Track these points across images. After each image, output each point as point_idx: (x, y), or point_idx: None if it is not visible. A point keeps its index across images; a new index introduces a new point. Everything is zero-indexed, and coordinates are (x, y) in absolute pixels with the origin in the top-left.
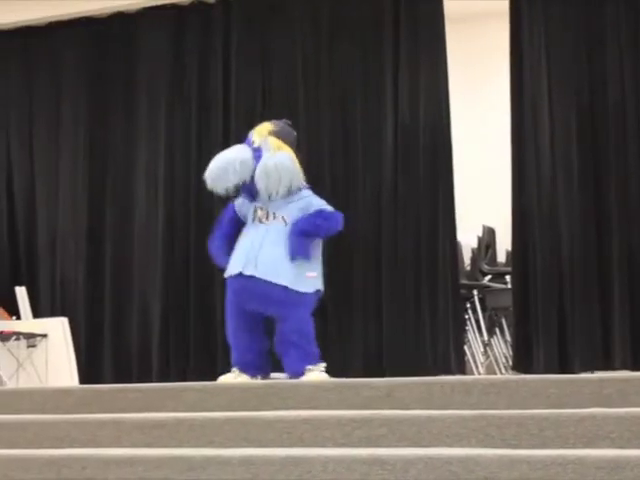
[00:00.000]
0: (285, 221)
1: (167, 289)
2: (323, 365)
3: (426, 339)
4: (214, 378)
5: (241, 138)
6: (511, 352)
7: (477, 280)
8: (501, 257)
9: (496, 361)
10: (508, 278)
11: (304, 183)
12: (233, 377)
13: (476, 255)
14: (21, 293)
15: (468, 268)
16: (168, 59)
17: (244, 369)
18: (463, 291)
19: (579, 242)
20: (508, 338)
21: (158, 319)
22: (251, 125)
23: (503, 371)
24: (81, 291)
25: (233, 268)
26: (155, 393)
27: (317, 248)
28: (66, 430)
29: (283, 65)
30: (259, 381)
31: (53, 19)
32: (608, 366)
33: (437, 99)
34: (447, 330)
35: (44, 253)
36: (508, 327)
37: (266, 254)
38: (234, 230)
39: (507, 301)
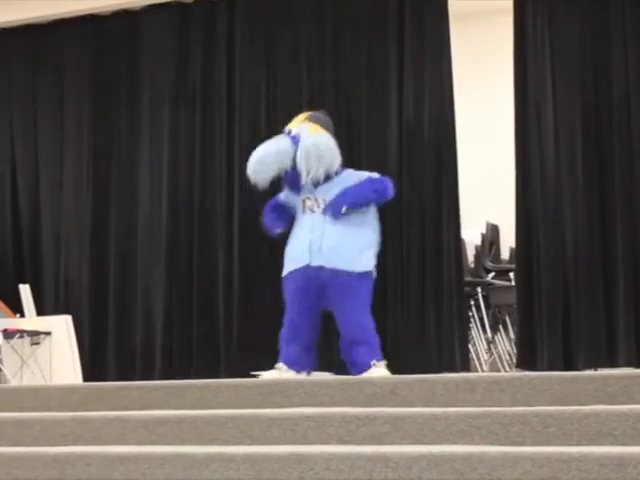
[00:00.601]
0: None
1: (171, 287)
2: (385, 361)
3: (430, 336)
4: (217, 376)
5: (245, 135)
6: (515, 349)
7: (481, 277)
8: (505, 254)
9: (500, 359)
10: (512, 275)
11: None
12: (278, 373)
13: (480, 252)
14: (25, 291)
15: (472, 265)
16: (172, 56)
17: (292, 365)
18: (467, 288)
19: (583, 239)
20: (512, 335)
21: (162, 317)
22: (255, 122)
23: (507, 368)
24: (85, 289)
25: (296, 262)
26: (159, 391)
27: (373, 221)
28: (70, 428)
29: (287, 62)
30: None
31: (57, 17)
32: (612, 364)
33: (441, 96)
34: (451, 327)
35: (48, 251)
36: (512, 324)
37: (330, 242)
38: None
39: (511, 298)
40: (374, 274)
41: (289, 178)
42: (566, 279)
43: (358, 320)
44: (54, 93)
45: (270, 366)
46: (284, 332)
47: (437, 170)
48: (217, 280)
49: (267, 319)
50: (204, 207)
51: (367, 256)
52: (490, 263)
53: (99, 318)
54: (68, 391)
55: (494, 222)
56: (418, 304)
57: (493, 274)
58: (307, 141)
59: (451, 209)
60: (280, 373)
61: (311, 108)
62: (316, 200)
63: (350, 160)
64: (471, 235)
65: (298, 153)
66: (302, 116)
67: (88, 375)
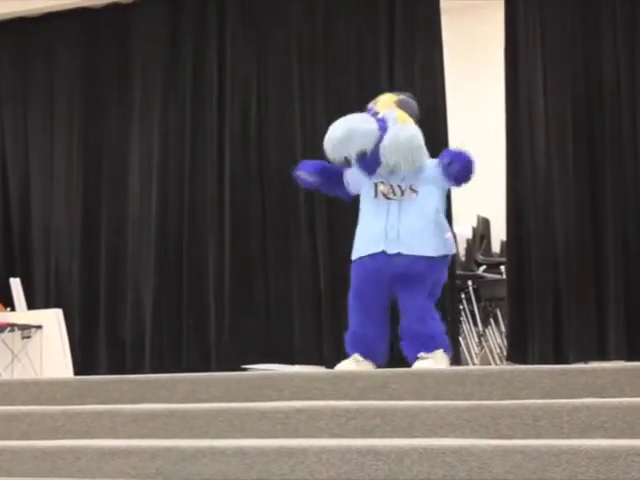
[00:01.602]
0: (415, 191)
1: (161, 280)
2: (440, 352)
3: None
4: (208, 369)
5: (235, 128)
6: (505, 343)
7: (472, 271)
8: (496, 247)
9: (490, 352)
10: (503, 268)
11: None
12: (355, 363)
13: (471, 245)
14: (16, 284)
15: (463, 259)
16: (163, 49)
17: (368, 356)
18: (458, 282)
19: (574, 232)
20: (503, 329)
21: (152, 310)
22: (246, 115)
23: (497, 362)
24: (75, 282)
25: (369, 248)
26: (149, 384)
27: (444, 207)
28: (61, 421)
29: (278, 57)
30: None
31: (47, 10)
32: (603, 357)
33: (433, 89)
34: (443, 320)
35: (39, 244)
36: (503, 318)
37: (408, 230)
38: (331, 173)
39: (502, 292)
40: (449, 260)
41: (365, 160)
42: (557, 272)
43: (417, 315)
44: (44, 86)
45: (261, 359)
46: (353, 320)
47: None
48: (208, 273)
49: (258, 312)
50: (195, 200)
51: (448, 240)
52: (481, 256)
53: (90, 311)
54: (59, 385)
55: (485, 215)
56: None
57: (484, 267)
58: (400, 135)
59: None
60: (356, 363)
61: (302, 100)
62: (392, 186)
63: None
64: (462, 228)
65: (386, 142)
66: (389, 98)
67: (79, 368)
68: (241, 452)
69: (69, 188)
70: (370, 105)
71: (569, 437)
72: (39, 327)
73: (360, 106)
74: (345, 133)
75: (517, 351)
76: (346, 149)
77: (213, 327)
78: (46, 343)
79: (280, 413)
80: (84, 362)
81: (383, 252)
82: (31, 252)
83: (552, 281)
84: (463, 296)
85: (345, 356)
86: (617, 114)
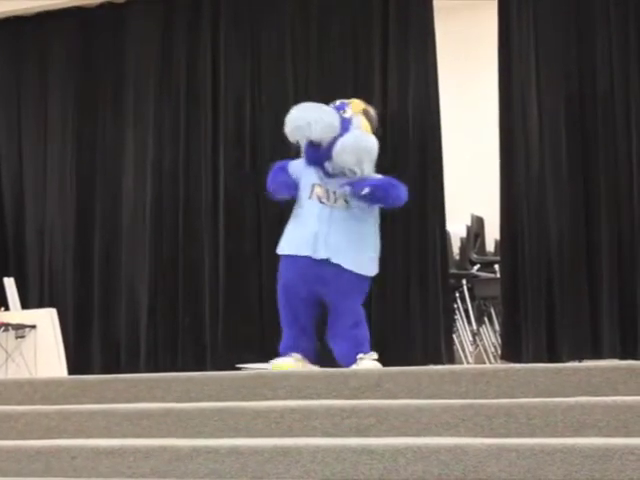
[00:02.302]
0: (348, 202)
1: (155, 279)
2: (374, 354)
3: (415, 328)
4: (203, 368)
5: (230, 126)
6: (500, 341)
7: (466, 269)
8: (490, 246)
9: (485, 350)
10: (497, 267)
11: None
12: (294, 361)
13: (465, 244)
14: (9, 284)
15: (457, 257)
16: (157, 47)
17: (305, 355)
18: (452, 280)
19: (568, 231)
20: (497, 327)
21: (146, 309)
22: (240, 115)
23: (492, 360)
24: (69, 282)
25: (299, 248)
26: (144, 383)
27: (376, 225)
28: (55, 421)
29: (272, 56)
30: (315, 368)
31: (41, 9)
32: (596, 355)
33: (426, 89)
34: (436, 319)
35: (32, 244)
36: (497, 316)
37: (336, 239)
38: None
39: (496, 290)
40: (370, 281)
41: (317, 150)
42: (550, 271)
43: (353, 320)
44: (38, 85)
45: (256, 359)
46: (284, 320)
47: (422, 162)
48: (203, 272)
49: (253, 311)
50: (189, 198)
51: (371, 261)
52: (475, 255)
53: (84, 311)
54: (53, 384)
55: (479, 214)
56: (403, 296)
57: (478, 266)
58: (361, 136)
59: (436, 201)
60: (295, 361)
61: (296, 100)
62: (327, 191)
63: None
64: (456, 227)
65: (345, 139)
66: (359, 105)
67: (73, 368)
68: (235, 451)
69: (63, 188)
70: (338, 104)
71: (563, 436)
72: (33, 327)
73: None
74: (310, 118)
75: (511, 350)
76: (305, 132)
77: (208, 326)
78: (40, 343)
79: (274, 412)
80: (78, 361)
81: (309, 257)
82: (25, 251)
83: (546, 280)
84: (457, 295)
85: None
86: (611, 113)
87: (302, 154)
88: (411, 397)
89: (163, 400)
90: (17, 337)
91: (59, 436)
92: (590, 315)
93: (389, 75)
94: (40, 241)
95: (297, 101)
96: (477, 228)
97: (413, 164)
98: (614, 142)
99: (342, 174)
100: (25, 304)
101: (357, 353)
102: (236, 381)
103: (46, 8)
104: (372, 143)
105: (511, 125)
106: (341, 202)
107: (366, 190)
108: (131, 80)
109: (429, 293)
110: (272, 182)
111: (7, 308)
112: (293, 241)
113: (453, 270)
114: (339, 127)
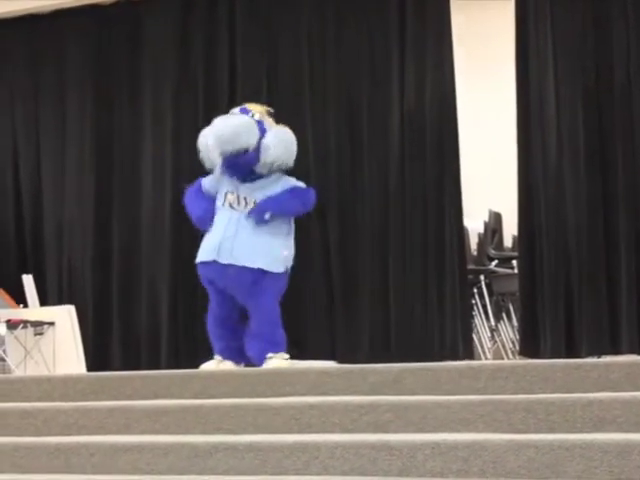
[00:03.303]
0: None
1: (175, 276)
2: (286, 355)
3: (434, 325)
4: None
5: None
6: (518, 337)
7: (484, 265)
8: (507, 242)
9: (503, 346)
10: (515, 263)
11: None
12: (216, 364)
13: (482, 240)
14: (28, 281)
15: (475, 253)
16: (174, 45)
17: (229, 356)
18: (470, 276)
19: (586, 226)
20: (515, 323)
21: (166, 306)
22: None
23: (510, 356)
24: (88, 279)
25: (207, 254)
26: (162, 380)
27: (289, 224)
28: (74, 418)
29: (289, 51)
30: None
31: (58, 7)
32: (615, 351)
33: (443, 84)
34: (455, 316)
35: (51, 241)
36: (515, 312)
37: (242, 241)
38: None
39: (514, 286)
40: (285, 277)
41: (245, 156)
42: (569, 266)
43: (265, 319)
44: (56, 83)
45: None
46: (209, 324)
47: (439, 158)
48: None
49: None
50: None
51: (279, 259)
52: (493, 251)
53: (103, 308)
54: (72, 381)
55: (497, 210)
56: (421, 292)
57: (496, 262)
58: (281, 132)
59: (454, 197)
60: (217, 363)
61: (313, 95)
62: (238, 197)
63: (351, 147)
64: (474, 223)
65: (269, 138)
66: (260, 107)
67: (92, 365)
68: (254, 448)
69: (81, 185)
70: (240, 109)
71: (582, 431)
72: (52, 324)
73: (371, 102)
74: (234, 129)
75: (530, 345)
76: (233, 144)
77: None
78: (59, 340)
79: (293, 409)
80: (97, 359)
81: (215, 261)
82: (43, 249)
83: (564, 275)
84: (475, 291)
85: (356, 351)
86: (628, 107)
87: (216, 168)
88: (429, 393)
89: (182, 397)
90: (36, 334)
91: (78, 433)
92: (609, 310)
93: (406, 70)
94: (59, 238)
95: (314, 96)
96: (495, 224)
97: (430, 160)
98: (632, 136)
99: (269, 173)
100: (44, 301)
101: (267, 352)
102: (255, 378)
103: (62, 6)
104: (292, 136)
105: (528, 120)
106: (251, 206)
107: (267, 216)
108: (148, 77)
109: (447, 289)
110: (196, 211)
111: (26, 305)
112: (203, 249)
113: (471, 266)
114: (258, 129)
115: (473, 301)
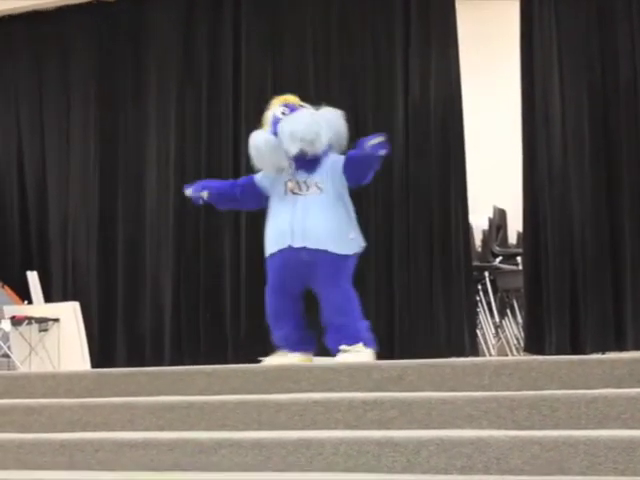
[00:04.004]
0: (320, 188)
1: (178, 273)
2: (361, 345)
3: (438, 321)
4: (226, 361)
5: (251, 120)
6: (522, 334)
7: (488, 262)
8: (512, 238)
9: (507, 343)
10: (519, 259)
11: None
12: (279, 357)
13: (487, 236)
14: (33, 278)
15: (479, 250)
16: (178, 41)
17: (293, 348)
18: (474, 273)
19: (591, 222)
20: (519, 320)
21: (170, 303)
22: (261, 107)
23: (514, 352)
24: (93, 275)
25: (278, 243)
26: (167, 377)
27: (349, 207)
28: (79, 414)
29: (293, 48)
30: (305, 362)
31: (62, 3)
32: (620, 347)
33: (448, 79)
34: (459, 312)
35: (56, 238)
36: (519, 309)
37: (312, 224)
38: (233, 192)
39: (518, 282)
40: (354, 260)
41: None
42: (573, 263)
43: (340, 307)
44: (60, 78)
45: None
46: (270, 316)
47: (444, 154)
48: (225, 265)
49: None
50: None
51: (348, 242)
52: (497, 247)
53: (107, 304)
54: (76, 377)
55: (501, 206)
56: (426, 288)
57: (500, 258)
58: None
59: (458, 193)
60: (281, 357)
61: (318, 91)
62: (297, 183)
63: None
64: (478, 219)
65: (280, 135)
66: (292, 97)
67: (97, 361)
68: (259, 444)
69: (86, 181)
70: (282, 109)
71: (587, 428)
72: (56, 320)
73: (376, 98)
74: (316, 131)
75: (534, 342)
76: (314, 147)
77: (230, 319)
78: (63, 336)
79: (297, 405)
80: (102, 355)
81: (289, 247)
82: (48, 245)
83: (569, 272)
84: (480, 287)
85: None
86: (633, 104)
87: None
88: (434, 389)
89: (186, 393)
90: (40, 330)
91: (82, 429)
92: (614, 307)
93: (411, 68)
94: (63, 235)
95: (319, 92)
96: (499, 220)
97: (435, 156)
98: (637, 132)
99: (307, 161)
100: (48, 297)
101: (340, 343)
102: (259, 374)
103: (67, 2)
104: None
105: (533, 116)
106: (313, 189)
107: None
108: (152, 74)
109: (452, 285)
110: (242, 194)
111: (30, 302)
112: (274, 239)
113: (476, 262)
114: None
115: (477, 297)
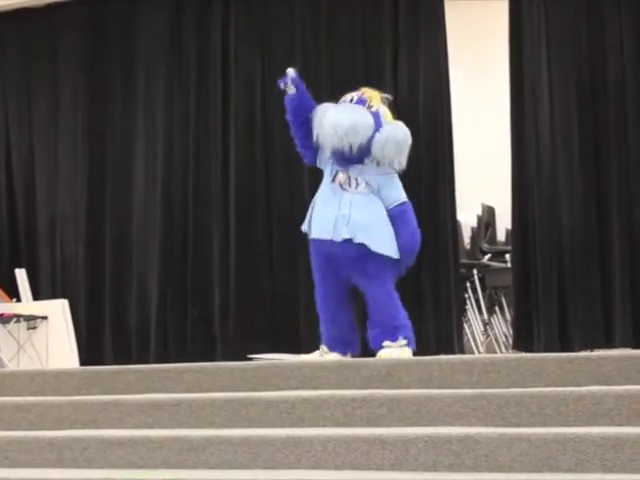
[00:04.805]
0: (370, 186)
1: (165, 270)
2: (404, 342)
3: (427, 318)
4: (214, 359)
5: (239, 118)
6: (511, 331)
7: (477, 259)
8: (501, 236)
9: (496, 340)
10: (508, 257)
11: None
12: (319, 354)
13: (476, 234)
14: (21, 275)
15: (468, 247)
16: (167, 38)
17: (332, 346)
18: (463, 270)
19: (579, 220)
20: (508, 317)
21: (157, 300)
22: (250, 104)
23: (503, 350)
24: (81, 273)
25: (323, 232)
26: (155, 374)
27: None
28: (67, 412)
29: (282, 45)
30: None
31: (52, 0)
32: (609, 345)
33: (437, 78)
34: (448, 309)
35: (44, 235)
36: (508, 306)
37: (357, 222)
38: (308, 109)
39: (507, 280)
40: (399, 262)
41: (360, 150)
42: (562, 260)
43: (382, 304)
44: (49, 76)
45: (267, 349)
46: (320, 311)
47: (433, 152)
48: (213, 263)
49: (264, 301)
50: (199, 189)
51: (392, 242)
52: (486, 245)
53: (95, 302)
54: (65, 375)
55: (490, 204)
56: (415, 286)
57: (489, 256)
58: (396, 129)
59: (447, 191)
60: (321, 354)
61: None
62: (349, 178)
63: None
64: (467, 217)
65: (384, 135)
66: (377, 93)
67: (84, 359)
68: (247, 441)
69: (74, 178)
70: (355, 95)
71: (575, 425)
72: (45, 318)
73: None
74: (352, 123)
75: (523, 339)
76: (350, 139)
77: (218, 316)
78: (52, 334)
79: (286, 402)
80: (90, 352)
81: (332, 240)
82: (37, 243)
83: (557, 269)
84: (468, 285)
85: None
86: (622, 103)
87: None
88: (422, 387)
89: (175, 391)
90: (29, 328)
91: (71, 427)
92: (602, 304)
93: (399, 64)
94: (51, 232)
95: (307, 87)
96: (488, 218)
97: (424, 154)
98: (625, 130)
99: (377, 164)
100: (37, 295)
101: (383, 340)
102: (248, 371)
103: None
104: (407, 133)
105: (522, 114)
106: (362, 188)
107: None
108: (141, 69)
109: (440, 283)
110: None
111: (19, 299)
112: (318, 225)
113: (464, 260)
114: (374, 124)
115: (466, 295)
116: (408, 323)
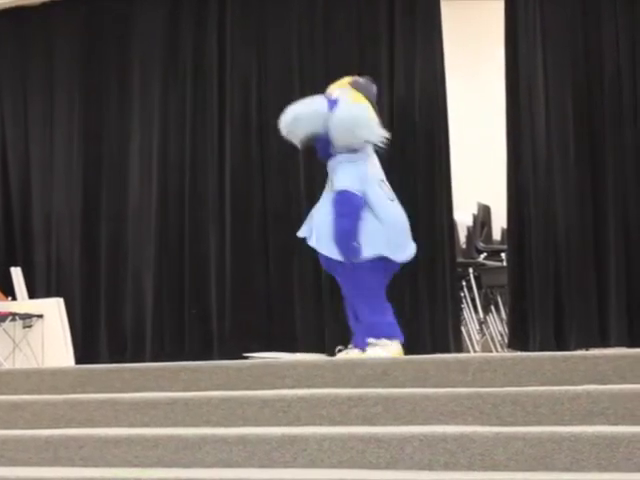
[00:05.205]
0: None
1: (161, 269)
2: (384, 339)
3: (423, 317)
4: (210, 357)
5: (236, 116)
6: (507, 330)
7: (473, 258)
8: (497, 235)
9: (492, 339)
10: (504, 256)
11: (380, 138)
12: (344, 352)
13: (471, 233)
14: (16, 274)
15: (464, 246)
16: (163, 37)
17: (355, 343)
18: (458, 269)
19: (575, 219)
20: (504, 316)
21: (153, 299)
22: (246, 103)
23: (499, 349)
24: (76, 271)
25: (308, 237)
26: (151, 373)
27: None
28: (63, 410)
29: (278, 43)
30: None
31: None
32: (604, 344)
33: (433, 77)
34: (444, 308)
35: (39, 234)
36: (504, 305)
37: (316, 221)
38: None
39: (503, 279)
40: (367, 266)
41: (320, 143)
42: (558, 259)
43: (362, 301)
44: (44, 75)
45: (263, 348)
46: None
47: (429, 151)
48: (209, 261)
49: (260, 300)
50: (195, 188)
51: (353, 248)
52: (482, 244)
53: (91, 300)
54: (60, 374)
55: (486, 203)
56: (411, 285)
57: (485, 255)
58: (344, 109)
59: (443, 190)
60: (346, 352)
61: (302, 86)
62: (329, 176)
63: None
64: (463, 216)
65: (332, 119)
66: (345, 80)
67: (80, 357)
68: (243, 440)
69: (69, 176)
70: (328, 89)
71: (570, 424)
72: (40, 316)
73: None
74: (295, 115)
75: (518, 338)
76: (297, 130)
77: (214, 315)
78: (47, 332)
79: (282, 401)
80: (85, 351)
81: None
82: (32, 241)
83: (553, 268)
84: (464, 284)
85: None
86: (617, 101)
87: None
88: (418, 386)
89: (170, 389)
90: (24, 327)
91: (67, 425)
92: (598, 303)
93: (395, 61)
94: (47, 231)
95: (303, 87)
96: (484, 216)
97: (420, 152)
98: (621, 128)
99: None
100: (32, 294)
101: (367, 337)
102: (243, 370)
103: None
104: (356, 109)
105: (518, 113)
106: (330, 185)
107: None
108: (137, 69)
109: (436, 282)
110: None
111: (14, 298)
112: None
113: (460, 259)
114: (328, 111)
115: (462, 294)
116: (382, 322)
